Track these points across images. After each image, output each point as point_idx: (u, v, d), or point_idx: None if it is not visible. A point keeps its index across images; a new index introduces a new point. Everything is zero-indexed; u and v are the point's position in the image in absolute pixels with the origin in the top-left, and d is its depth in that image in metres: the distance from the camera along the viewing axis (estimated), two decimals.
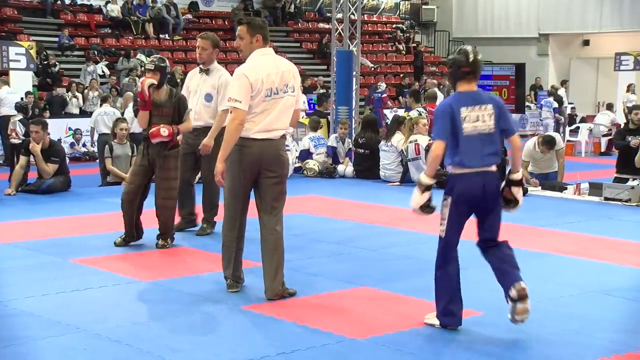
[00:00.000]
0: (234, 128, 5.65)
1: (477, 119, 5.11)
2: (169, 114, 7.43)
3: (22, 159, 10.85)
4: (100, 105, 16.22)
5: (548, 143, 11.38)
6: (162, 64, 7.42)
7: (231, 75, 6.50)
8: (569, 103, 23.56)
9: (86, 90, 19.91)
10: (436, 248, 5.26)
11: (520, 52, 27.21)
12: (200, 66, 8.00)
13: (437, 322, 5.22)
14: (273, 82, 5.71)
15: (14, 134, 13.20)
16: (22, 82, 17.42)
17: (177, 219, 7.99)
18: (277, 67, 5.79)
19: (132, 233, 7.59)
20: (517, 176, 5.22)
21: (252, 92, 5.64)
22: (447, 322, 5.18)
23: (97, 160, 14.38)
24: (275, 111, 5.72)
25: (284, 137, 5.86)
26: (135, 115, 7.68)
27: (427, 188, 5.13)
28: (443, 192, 5.18)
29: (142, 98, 7.31)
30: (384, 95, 22.19)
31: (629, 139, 11.41)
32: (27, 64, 17.31)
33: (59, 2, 23.57)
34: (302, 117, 18.29)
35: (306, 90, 21.42)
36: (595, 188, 10.67)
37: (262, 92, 5.67)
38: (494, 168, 5.18)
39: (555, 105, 21.95)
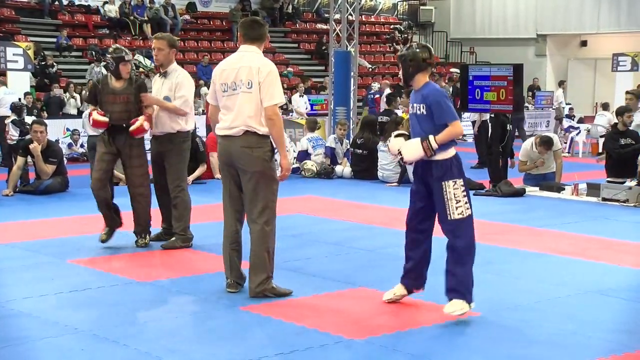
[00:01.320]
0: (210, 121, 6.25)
1: None
2: (129, 100, 7.45)
3: (20, 160, 10.84)
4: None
5: (546, 143, 11.38)
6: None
7: None
8: (567, 104, 23.54)
9: (84, 91, 19.88)
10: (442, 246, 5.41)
11: (518, 52, 27.21)
12: (160, 69, 7.74)
13: (467, 306, 5.27)
14: (227, 77, 5.79)
15: (8, 135, 13.18)
16: (19, 83, 17.38)
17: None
18: (237, 63, 5.80)
19: (115, 220, 7.58)
20: None
21: (215, 87, 5.90)
22: (472, 297, 5.32)
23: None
24: (235, 108, 5.75)
25: (259, 135, 5.70)
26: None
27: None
28: (447, 175, 5.30)
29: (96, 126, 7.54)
30: (377, 95, 22.19)
31: (621, 141, 11.37)
32: (25, 64, 17.29)
33: (56, 2, 23.55)
34: (299, 118, 18.35)
35: (307, 91, 21.41)
36: (593, 188, 10.68)
37: (218, 86, 5.83)
38: None
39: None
